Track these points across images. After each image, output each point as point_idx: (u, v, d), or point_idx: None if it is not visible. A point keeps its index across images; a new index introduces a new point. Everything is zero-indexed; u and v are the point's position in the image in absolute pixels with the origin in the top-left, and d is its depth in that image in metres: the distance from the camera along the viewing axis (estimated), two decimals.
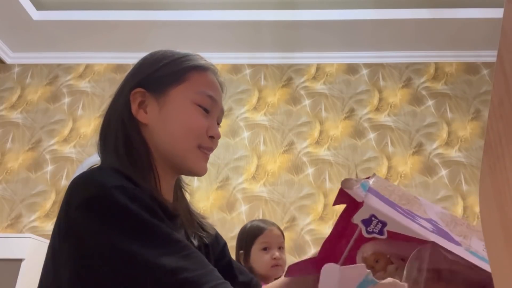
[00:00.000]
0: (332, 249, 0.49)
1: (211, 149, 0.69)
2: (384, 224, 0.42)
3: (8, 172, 2.51)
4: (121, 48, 2.75)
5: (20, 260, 1.89)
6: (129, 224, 0.51)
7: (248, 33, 2.60)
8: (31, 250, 1.93)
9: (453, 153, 2.48)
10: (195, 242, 0.69)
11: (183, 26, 2.55)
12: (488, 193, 0.24)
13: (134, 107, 0.66)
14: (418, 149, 2.51)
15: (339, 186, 0.47)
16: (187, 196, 0.78)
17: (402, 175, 2.43)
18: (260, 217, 2.35)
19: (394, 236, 0.42)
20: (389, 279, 0.38)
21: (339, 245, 0.48)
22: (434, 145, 2.51)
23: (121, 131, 0.65)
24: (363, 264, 0.39)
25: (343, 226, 0.47)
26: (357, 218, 0.43)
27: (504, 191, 0.23)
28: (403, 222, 0.42)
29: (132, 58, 3.16)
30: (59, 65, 2.81)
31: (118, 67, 2.78)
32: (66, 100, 2.71)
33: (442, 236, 0.42)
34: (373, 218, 0.43)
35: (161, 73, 0.67)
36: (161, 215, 0.55)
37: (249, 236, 1.45)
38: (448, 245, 0.40)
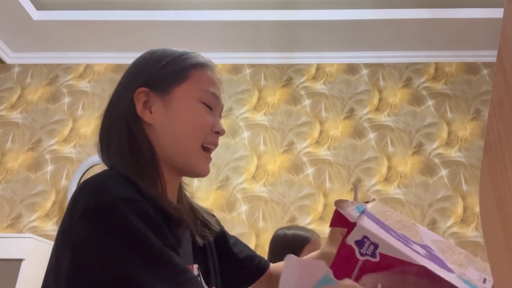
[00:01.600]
0: (338, 275, 0.48)
1: (215, 145, 0.70)
2: (376, 246, 0.41)
3: (8, 172, 2.51)
4: (121, 48, 2.75)
5: (20, 260, 1.88)
6: (130, 242, 0.50)
7: (248, 33, 2.60)
8: (31, 250, 1.93)
9: (453, 153, 2.48)
10: (200, 241, 0.69)
11: (183, 26, 2.55)
12: (488, 193, 0.24)
13: (139, 107, 0.65)
14: (418, 149, 2.51)
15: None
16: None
17: (402, 175, 2.43)
18: (260, 217, 2.35)
19: (388, 261, 0.41)
20: (349, 281, 0.38)
21: (345, 271, 0.47)
22: (434, 145, 2.51)
23: (125, 132, 0.64)
24: (322, 261, 0.39)
25: (347, 252, 0.45)
26: (350, 239, 0.43)
27: (504, 191, 0.23)
28: (395, 245, 0.41)
29: (132, 58, 3.16)
30: (59, 65, 2.81)
31: (118, 67, 2.78)
32: (66, 100, 2.71)
33: (434, 262, 0.41)
34: (365, 240, 0.42)
35: (164, 72, 0.67)
36: (165, 231, 0.54)
37: (296, 244, 1.41)
38: (438, 270, 0.39)
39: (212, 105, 0.69)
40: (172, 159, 0.66)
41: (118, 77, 2.89)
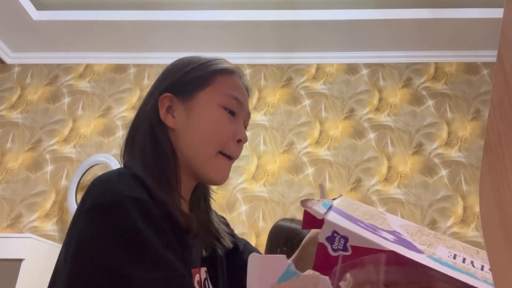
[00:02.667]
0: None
1: (236, 154, 0.68)
2: (346, 239, 0.42)
3: (8, 172, 2.51)
4: (121, 48, 2.75)
5: (20, 260, 1.88)
6: (131, 241, 0.50)
7: (248, 33, 2.60)
8: (31, 250, 1.93)
9: (453, 153, 2.48)
10: (204, 253, 0.69)
11: (183, 26, 2.55)
12: (488, 193, 0.24)
13: (162, 112, 0.66)
14: (418, 149, 2.51)
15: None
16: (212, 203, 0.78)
17: (402, 175, 2.43)
18: (260, 217, 2.35)
19: (359, 253, 0.41)
20: (310, 271, 0.38)
21: (328, 270, 0.46)
22: (434, 145, 2.51)
23: (149, 135, 0.65)
24: (283, 255, 0.39)
25: (324, 251, 0.45)
26: (321, 237, 0.43)
27: (504, 191, 0.23)
28: (363, 235, 0.41)
29: (132, 58, 3.17)
30: (59, 65, 2.81)
31: (118, 67, 2.78)
32: (66, 100, 2.71)
33: (404, 245, 0.41)
34: (335, 235, 0.42)
35: (188, 78, 0.68)
36: (168, 234, 0.54)
37: (298, 238, 1.43)
38: (407, 253, 0.39)
39: (235, 110, 0.68)
40: (191, 164, 0.66)
41: (118, 77, 2.89)
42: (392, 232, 0.44)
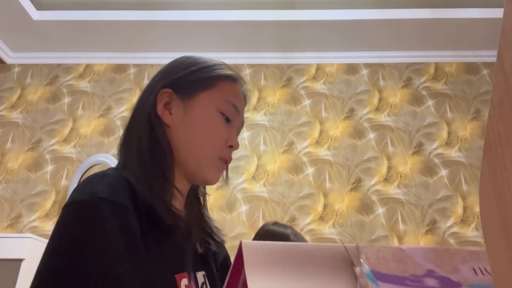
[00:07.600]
0: None
1: (229, 160, 0.70)
2: None
3: (8, 172, 2.51)
4: (121, 48, 2.75)
5: (20, 260, 1.89)
6: (95, 243, 0.48)
7: (248, 33, 2.60)
8: (31, 250, 1.93)
9: (453, 153, 2.48)
10: (200, 250, 0.70)
11: (183, 26, 2.55)
12: (488, 193, 0.24)
13: (159, 107, 0.67)
14: (418, 149, 2.51)
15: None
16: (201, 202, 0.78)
17: (402, 175, 2.43)
18: (260, 217, 2.35)
19: None
20: None
21: None
22: (434, 145, 2.51)
23: (147, 128, 0.65)
24: None
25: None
26: None
27: (504, 191, 0.23)
28: None
29: (132, 58, 3.16)
30: (59, 65, 2.81)
31: (118, 67, 2.78)
32: (66, 100, 2.71)
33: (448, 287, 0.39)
34: None
35: (192, 78, 0.68)
36: (137, 243, 0.52)
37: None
38: None
39: (231, 117, 0.69)
40: (184, 163, 0.66)
41: (118, 77, 2.89)
42: (430, 273, 0.42)
